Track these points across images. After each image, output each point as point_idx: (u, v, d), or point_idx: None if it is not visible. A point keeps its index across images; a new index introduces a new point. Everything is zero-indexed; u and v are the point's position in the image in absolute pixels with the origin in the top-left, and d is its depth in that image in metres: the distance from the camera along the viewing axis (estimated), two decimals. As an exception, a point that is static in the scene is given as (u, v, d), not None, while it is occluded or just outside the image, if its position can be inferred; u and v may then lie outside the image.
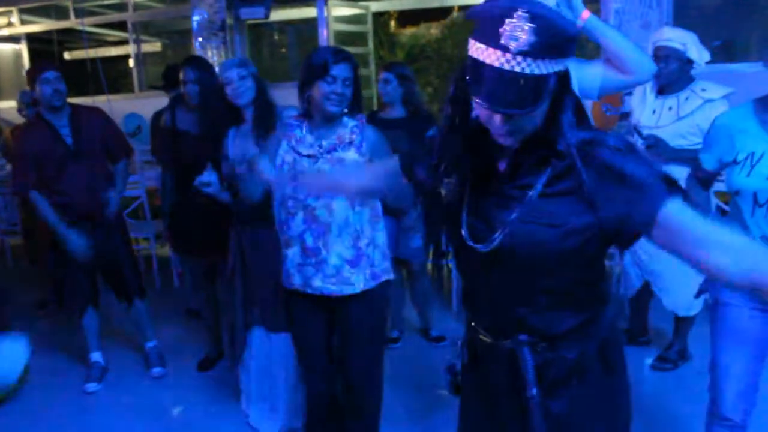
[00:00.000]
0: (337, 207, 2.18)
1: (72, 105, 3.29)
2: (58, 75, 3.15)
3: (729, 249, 1.08)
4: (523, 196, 1.21)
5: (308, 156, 2.18)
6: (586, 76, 2.27)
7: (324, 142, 2.18)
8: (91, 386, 3.39)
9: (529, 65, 1.03)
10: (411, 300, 3.83)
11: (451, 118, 1.23)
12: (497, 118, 1.11)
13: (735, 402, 1.94)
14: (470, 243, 1.26)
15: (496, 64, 1.04)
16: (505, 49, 1.03)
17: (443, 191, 1.33)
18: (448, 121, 1.24)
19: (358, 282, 2.24)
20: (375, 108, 5.69)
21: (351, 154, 2.17)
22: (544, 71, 1.05)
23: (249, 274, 2.73)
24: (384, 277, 2.32)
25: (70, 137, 3.21)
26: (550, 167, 1.20)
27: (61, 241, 3.17)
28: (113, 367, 3.60)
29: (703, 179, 2.12)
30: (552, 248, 1.19)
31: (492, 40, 1.04)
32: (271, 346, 2.74)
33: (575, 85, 2.29)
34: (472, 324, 1.41)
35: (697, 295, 2.12)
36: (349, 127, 2.20)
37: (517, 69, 1.03)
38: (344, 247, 2.21)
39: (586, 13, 2.15)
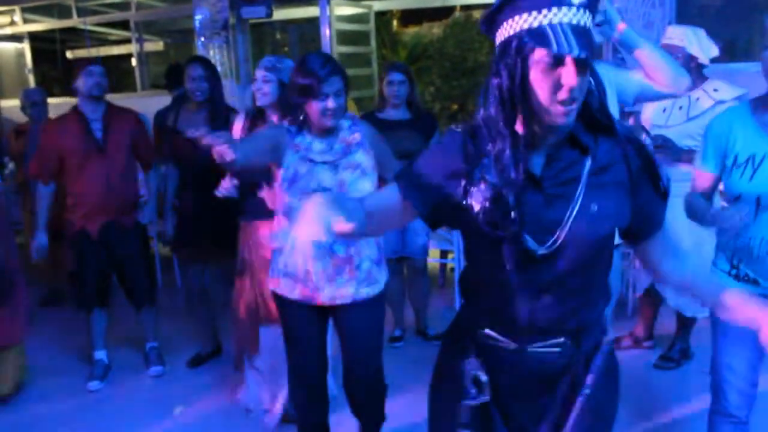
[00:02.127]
0: None
1: (108, 102, 3.37)
2: (102, 70, 3.30)
3: (679, 259, 1.33)
4: (571, 193, 1.19)
5: (325, 162, 2.10)
6: (625, 81, 2.24)
7: (336, 146, 2.13)
8: (94, 384, 3.40)
9: (588, 18, 1.12)
10: (409, 298, 3.83)
11: (498, 116, 1.18)
12: (570, 75, 1.09)
13: (739, 400, 1.96)
14: (530, 245, 1.20)
15: (565, 20, 1.09)
16: (569, 4, 1.10)
17: (474, 201, 1.22)
18: (494, 120, 1.19)
19: (381, 279, 2.25)
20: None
21: (360, 156, 2.15)
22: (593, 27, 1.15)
23: (258, 270, 2.73)
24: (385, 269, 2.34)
25: (101, 131, 3.28)
26: (588, 158, 1.20)
27: (35, 234, 3.37)
28: (116, 364, 3.60)
29: (704, 190, 1.97)
30: (604, 241, 1.23)
31: (553, 1, 1.10)
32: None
33: (612, 88, 2.26)
34: (486, 331, 1.34)
35: None
36: (347, 127, 2.17)
37: (582, 22, 1.10)
38: (371, 249, 2.19)
39: (622, 25, 2.10)
